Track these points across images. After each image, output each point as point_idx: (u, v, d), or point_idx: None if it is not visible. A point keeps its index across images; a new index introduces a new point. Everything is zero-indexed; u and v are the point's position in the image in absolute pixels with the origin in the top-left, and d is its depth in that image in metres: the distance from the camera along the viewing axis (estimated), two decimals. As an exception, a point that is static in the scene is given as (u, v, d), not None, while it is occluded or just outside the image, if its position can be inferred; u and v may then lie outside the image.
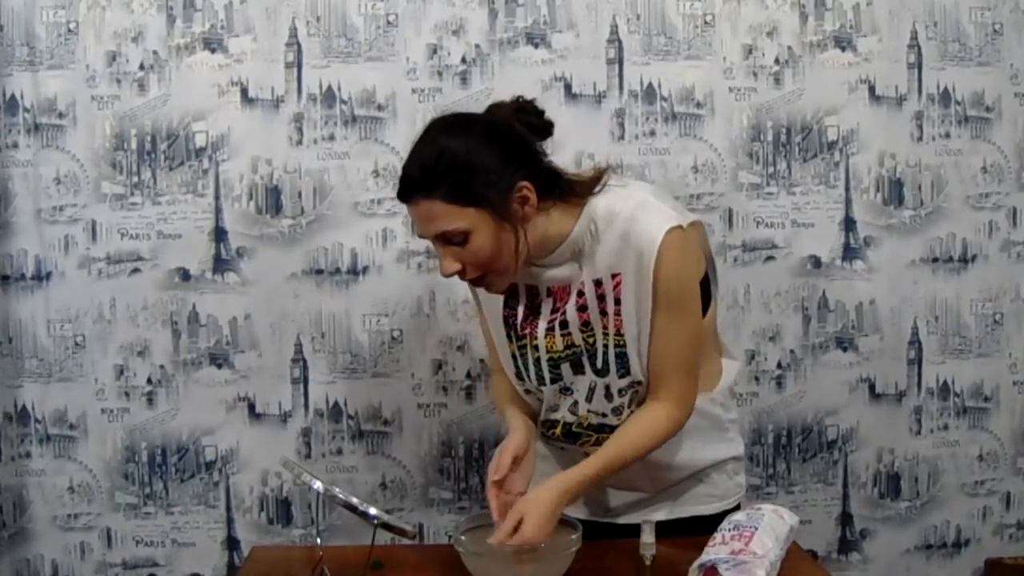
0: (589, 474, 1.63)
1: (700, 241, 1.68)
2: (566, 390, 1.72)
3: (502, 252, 1.57)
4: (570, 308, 1.66)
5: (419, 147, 1.59)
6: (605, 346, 1.66)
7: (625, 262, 1.60)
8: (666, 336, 1.62)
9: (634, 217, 1.60)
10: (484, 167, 1.54)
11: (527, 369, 1.74)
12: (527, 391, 1.79)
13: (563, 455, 1.82)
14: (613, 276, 1.62)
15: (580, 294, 1.65)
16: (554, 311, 1.68)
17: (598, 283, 1.64)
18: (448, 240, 1.56)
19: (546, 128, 1.66)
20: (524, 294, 1.72)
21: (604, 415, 1.71)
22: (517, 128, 1.60)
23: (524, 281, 1.70)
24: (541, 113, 1.66)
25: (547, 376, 1.72)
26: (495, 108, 1.65)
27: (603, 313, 1.65)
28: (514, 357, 1.75)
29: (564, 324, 1.67)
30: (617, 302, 1.63)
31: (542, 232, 1.61)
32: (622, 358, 1.65)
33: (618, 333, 1.64)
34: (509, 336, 1.75)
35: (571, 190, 1.63)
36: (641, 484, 1.79)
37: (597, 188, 1.63)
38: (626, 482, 1.78)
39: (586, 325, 1.66)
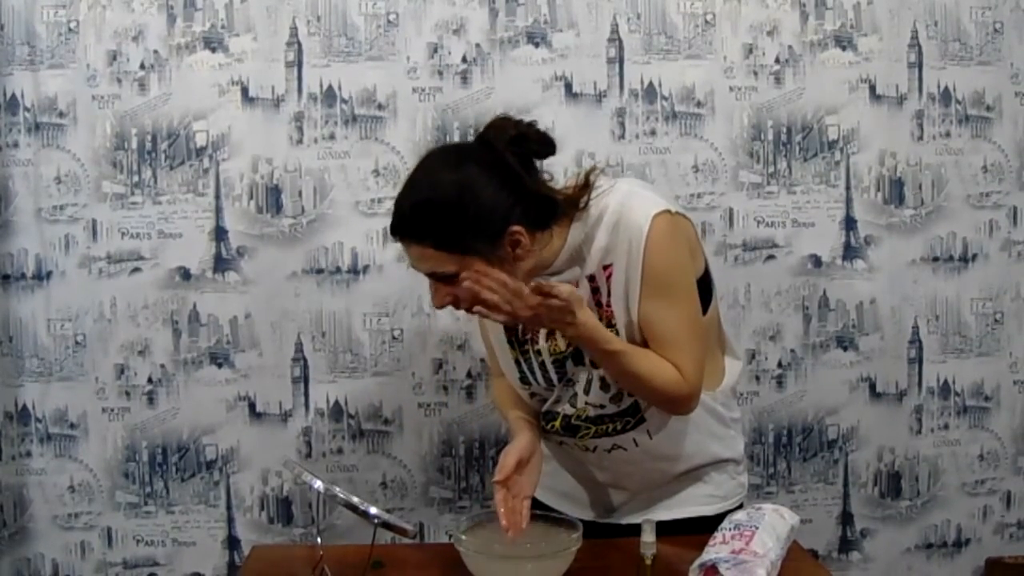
0: (604, 333, 1.59)
1: (692, 233, 1.68)
2: (569, 382, 1.72)
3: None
4: None
5: (412, 184, 1.59)
6: None
7: (616, 251, 1.61)
8: (663, 321, 1.62)
9: (622, 207, 1.61)
10: (475, 214, 1.53)
11: (532, 373, 1.74)
12: (532, 394, 1.78)
13: (561, 451, 1.82)
14: (605, 268, 1.63)
15: None
16: None
17: (591, 278, 1.65)
18: (439, 278, 1.58)
19: (549, 149, 1.63)
20: None
21: (602, 406, 1.70)
22: (512, 163, 1.57)
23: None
24: (542, 136, 1.62)
25: (554, 376, 1.72)
26: (493, 130, 1.61)
27: (598, 305, 1.65)
28: (517, 363, 1.76)
29: None
30: (608, 293, 1.64)
31: (537, 257, 1.61)
32: None
33: (610, 324, 1.65)
34: (511, 342, 1.75)
35: (564, 211, 1.62)
36: (643, 479, 1.79)
37: (585, 200, 1.62)
38: (628, 479, 1.79)
39: None
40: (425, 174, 1.59)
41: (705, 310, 1.69)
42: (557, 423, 1.75)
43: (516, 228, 1.55)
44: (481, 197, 1.53)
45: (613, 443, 1.74)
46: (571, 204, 1.63)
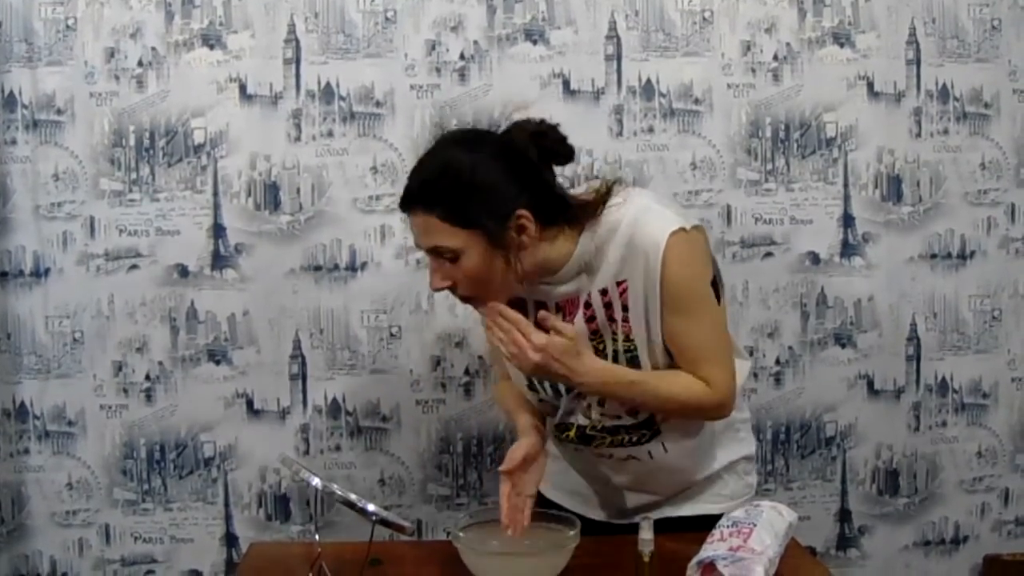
0: (615, 369, 1.63)
1: (707, 245, 1.68)
2: (580, 395, 1.72)
3: (491, 276, 1.58)
4: (578, 320, 1.66)
5: (426, 158, 1.61)
6: (615, 351, 1.66)
7: (631, 268, 1.60)
8: (686, 335, 1.62)
9: (637, 223, 1.60)
10: (485, 190, 1.54)
11: (540, 381, 1.73)
12: (541, 400, 1.78)
13: (576, 455, 1.82)
14: (619, 283, 1.62)
15: (587, 305, 1.65)
16: None
17: (604, 292, 1.64)
18: (440, 255, 1.58)
19: (567, 155, 1.64)
20: (533, 311, 1.70)
21: (618, 416, 1.70)
22: (531, 154, 1.58)
23: (533, 297, 1.70)
24: (563, 139, 1.63)
25: (562, 386, 1.72)
26: (517, 129, 1.63)
27: (610, 320, 1.65)
28: None
29: None
30: (624, 308, 1.63)
31: (543, 256, 1.61)
32: (633, 362, 1.65)
33: (627, 339, 1.64)
34: None
35: (576, 216, 1.63)
36: (658, 488, 1.79)
37: (600, 211, 1.62)
38: (643, 485, 1.79)
39: (595, 334, 1.66)
40: (441, 149, 1.61)
41: None
42: (572, 433, 1.75)
43: (524, 212, 1.56)
44: (494, 174, 1.55)
45: (628, 453, 1.74)
46: (584, 211, 1.63)
